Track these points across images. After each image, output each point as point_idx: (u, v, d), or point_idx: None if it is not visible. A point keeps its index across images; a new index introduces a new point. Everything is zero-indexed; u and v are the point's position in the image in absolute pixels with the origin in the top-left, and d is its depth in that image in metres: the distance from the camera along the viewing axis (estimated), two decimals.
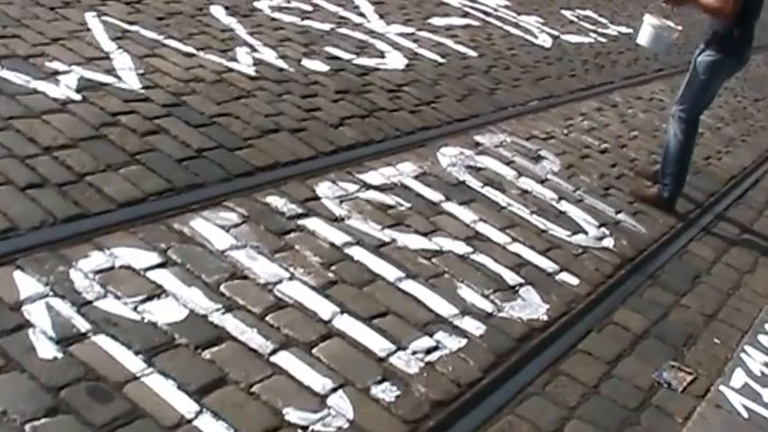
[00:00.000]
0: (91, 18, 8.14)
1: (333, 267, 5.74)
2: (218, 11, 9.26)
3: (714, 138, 10.96)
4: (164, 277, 5.16)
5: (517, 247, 6.77)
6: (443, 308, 5.72)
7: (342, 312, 5.37)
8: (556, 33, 13.14)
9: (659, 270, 7.16)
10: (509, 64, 10.88)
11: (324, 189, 6.60)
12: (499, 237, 6.83)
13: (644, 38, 8.32)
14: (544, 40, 12.58)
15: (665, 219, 8.00)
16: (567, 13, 14.64)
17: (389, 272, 5.87)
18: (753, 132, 11.88)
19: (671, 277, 7.13)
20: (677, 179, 8.31)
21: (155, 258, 5.29)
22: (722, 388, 5.82)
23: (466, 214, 6.94)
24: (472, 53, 10.77)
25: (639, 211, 8.00)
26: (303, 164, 6.92)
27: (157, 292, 5.03)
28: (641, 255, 7.29)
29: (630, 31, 14.38)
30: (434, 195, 7.04)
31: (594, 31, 14.06)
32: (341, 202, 6.48)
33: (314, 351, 4.99)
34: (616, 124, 9.97)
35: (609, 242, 7.26)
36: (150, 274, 5.14)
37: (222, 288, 5.24)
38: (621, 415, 5.34)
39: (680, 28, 8.26)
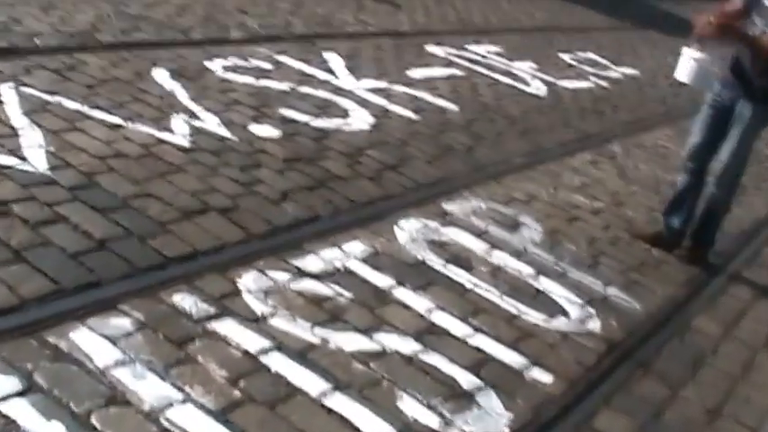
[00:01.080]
0: (7, 90, 7.33)
1: (241, 383, 4.74)
2: (160, 75, 8.41)
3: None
4: (19, 410, 4.17)
5: (480, 340, 5.77)
6: (376, 427, 4.66)
7: None
8: (551, 79, 12.19)
9: (655, 355, 6.09)
10: (494, 116, 9.88)
11: (248, 281, 5.66)
12: (459, 328, 5.84)
13: (685, 73, 7.30)
14: (537, 88, 11.62)
15: (665, 289, 6.91)
16: (566, 57, 13.74)
17: (313, 384, 4.87)
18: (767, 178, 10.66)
19: (668, 364, 6.12)
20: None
21: (14, 384, 4.30)
22: None
23: (420, 302, 5.98)
24: (452, 107, 9.78)
25: (634, 281, 7.00)
26: (228, 250, 5.98)
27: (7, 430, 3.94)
28: (633, 337, 6.18)
29: (636, 72, 13.43)
30: (384, 281, 6.09)
31: (595, 75, 13.14)
32: (266, 296, 5.54)
33: None
34: (612, 179, 8.91)
35: (594, 324, 6.19)
36: (3, 407, 4.12)
37: (93, 419, 4.25)
38: None
39: (725, 58, 7.21)
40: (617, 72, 14.02)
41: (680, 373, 6.03)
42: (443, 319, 5.84)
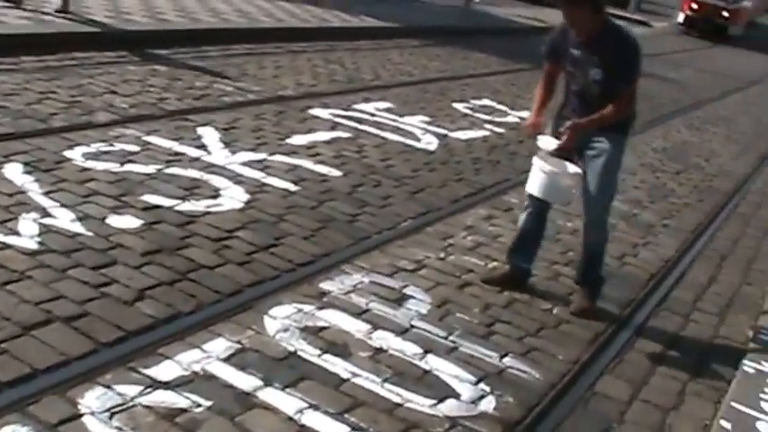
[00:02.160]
0: None
1: None
2: (13, 169, 7.74)
3: (630, 228, 9.41)
4: None
5: None
6: None
7: None
8: (443, 132, 11.69)
9: (556, 430, 5.21)
10: (380, 179, 9.23)
11: (91, 400, 5.01)
12: (332, 428, 5.22)
13: (536, 187, 6.84)
14: (428, 143, 11.07)
15: (567, 352, 6.27)
16: (460, 106, 13.25)
17: None
18: (675, 213, 10.38)
19: None
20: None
21: None
22: None
23: (289, 402, 5.35)
24: (335, 173, 9.17)
25: (533, 347, 6.35)
26: (72, 366, 5.31)
27: None
28: (532, 414, 5.44)
29: None
30: (248, 382, 5.46)
31: (491, 122, 12.69)
32: (111, 416, 4.91)
33: None
34: (509, 233, 8.31)
35: (488, 403, 5.63)
36: None
37: None
38: None
39: (580, 171, 6.80)
40: (514, 116, 13.59)
41: None
42: (315, 420, 5.23)
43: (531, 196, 7.12)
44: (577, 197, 6.93)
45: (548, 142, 6.66)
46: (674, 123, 16.68)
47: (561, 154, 6.81)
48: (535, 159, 6.73)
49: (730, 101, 22.03)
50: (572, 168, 6.71)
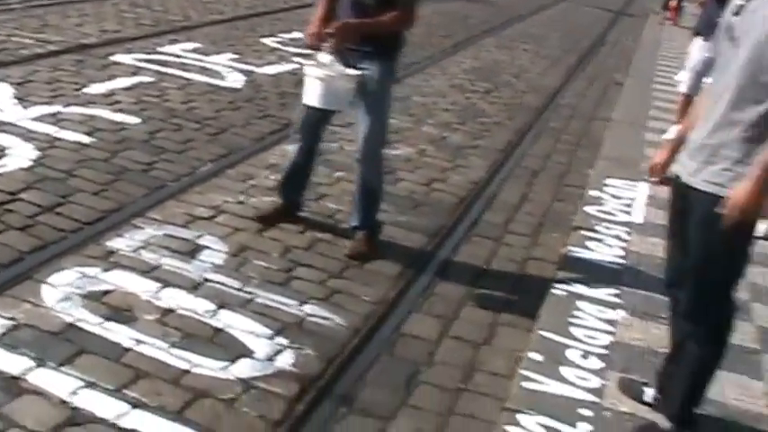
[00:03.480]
0: None
1: None
2: None
3: (439, 152, 8.82)
4: None
5: (136, 418, 4.50)
6: None
7: None
8: (250, 68, 10.91)
9: (360, 383, 4.70)
10: (181, 123, 8.48)
11: None
12: (109, 408, 4.55)
13: (314, 96, 6.21)
14: (234, 81, 10.33)
15: (372, 292, 5.60)
16: (269, 41, 12.62)
17: None
18: (485, 134, 9.81)
19: (377, 391, 5.02)
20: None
21: None
22: None
23: (63, 383, 4.65)
24: (133, 120, 8.40)
25: (336, 290, 5.67)
26: None
27: None
28: (332, 366, 4.70)
29: None
30: (19, 364, 4.76)
31: (300, 54, 11.78)
32: None
33: None
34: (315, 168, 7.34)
35: (286, 359, 5.00)
36: None
37: None
38: None
39: (359, 72, 6.12)
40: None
41: (390, 399, 4.95)
42: (90, 400, 4.54)
43: (301, 130, 6.59)
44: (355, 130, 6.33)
45: (325, 57, 5.93)
46: (484, 43, 16.29)
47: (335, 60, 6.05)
48: (307, 69, 6.07)
49: (540, 18, 21.81)
50: (349, 70, 6.03)
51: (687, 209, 4.43)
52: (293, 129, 6.62)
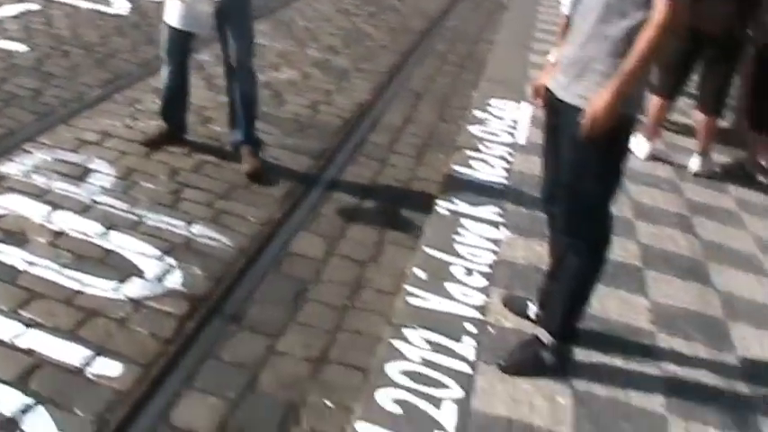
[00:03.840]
0: None
1: None
2: None
3: (323, 75, 8.84)
4: None
5: (31, 339, 4.55)
6: None
7: None
8: None
9: (248, 302, 4.82)
10: (69, 50, 8.49)
11: None
12: (4, 328, 4.59)
13: (175, 17, 6.32)
14: (120, 7, 10.31)
15: (259, 213, 5.73)
16: None
17: None
18: (370, 57, 9.76)
19: (265, 309, 5.11)
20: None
21: None
22: None
23: None
24: (21, 48, 8.39)
25: (223, 211, 5.74)
26: None
27: None
28: (221, 285, 4.79)
29: None
30: None
31: None
32: None
33: None
34: (200, 92, 7.55)
35: (175, 279, 5.06)
36: None
37: None
38: None
39: None
40: None
41: (278, 316, 5.02)
42: None
43: (168, 53, 6.61)
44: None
45: None
46: None
47: None
48: None
49: None
50: None
51: (559, 124, 4.48)
52: (160, 51, 6.50)
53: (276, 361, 4.64)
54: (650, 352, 5.08)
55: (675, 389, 4.76)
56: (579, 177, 4.41)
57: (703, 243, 6.44)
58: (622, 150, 4.41)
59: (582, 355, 4.87)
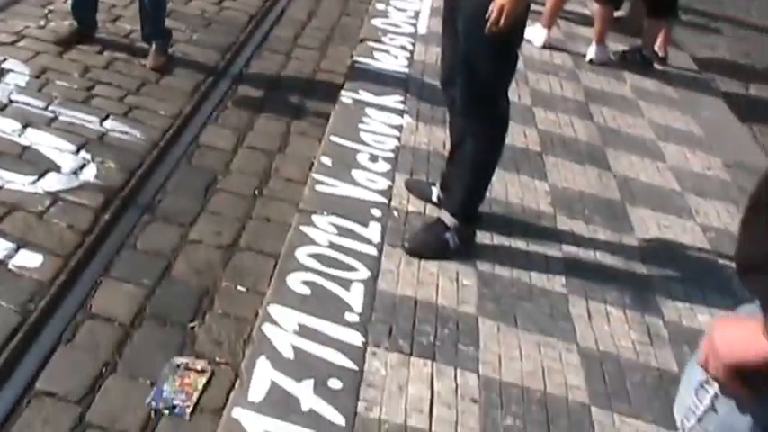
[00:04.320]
0: None
1: None
2: None
3: None
4: None
5: None
6: None
7: None
8: None
9: (160, 191, 4.99)
10: None
11: None
12: None
13: None
14: None
15: (169, 107, 5.90)
16: None
17: None
18: None
19: (177, 199, 5.30)
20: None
21: None
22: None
23: None
24: None
25: (135, 106, 5.95)
26: None
27: None
28: (134, 177, 4.99)
29: None
30: None
31: None
32: None
33: None
34: None
35: (90, 172, 5.25)
36: None
37: None
38: None
39: None
40: None
41: (190, 206, 5.20)
42: None
43: None
44: None
45: None
46: None
47: None
48: None
49: None
50: None
51: (457, 6, 4.58)
52: None
53: (189, 249, 4.80)
54: (551, 234, 5.29)
55: (576, 269, 4.99)
56: (474, 60, 4.51)
57: (601, 129, 6.71)
58: (517, 35, 4.52)
59: (485, 237, 5.05)
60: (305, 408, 3.74)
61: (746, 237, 1.97)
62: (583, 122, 6.73)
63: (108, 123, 5.72)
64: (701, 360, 1.97)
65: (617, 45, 8.36)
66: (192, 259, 4.70)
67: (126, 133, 5.63)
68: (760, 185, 1.96)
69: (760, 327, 1.80)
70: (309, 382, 3.88)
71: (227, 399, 3.79)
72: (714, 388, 2.01)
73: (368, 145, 5.77)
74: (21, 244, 4.54)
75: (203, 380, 3.87)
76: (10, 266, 4.38)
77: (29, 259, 4.46)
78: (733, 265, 2.00)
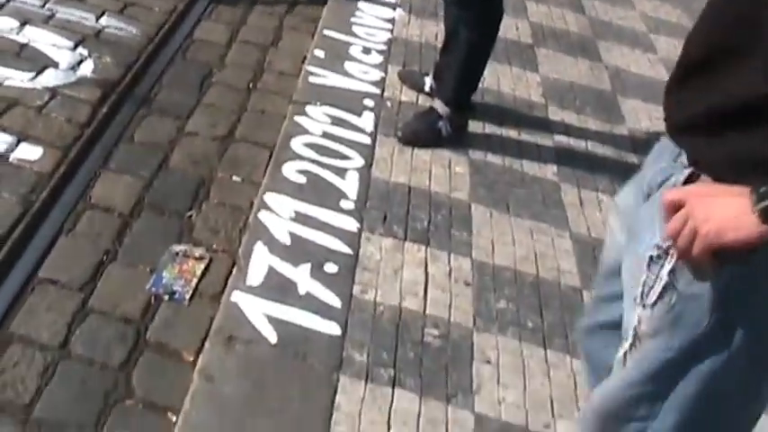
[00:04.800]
0: None
1: None
2: None
3: None
4: None
5: None
6: None
7: None
8: None
9: (156, 85, 5.00)
10: None
11: None
12: None
13: None
14: None
15: (164, 3, 5.88)
16: None
17: None
18: None
19: (173, 92, 5.29)
20: None
21: None
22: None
23: None
24: None
25: (130, 3, 5.87)
26: None
27: None
28: (131, 71, 5.02)
29: None
30: None
31: None
32: None
33: None
34: None
35: (87, 67, 5.25)
36: None
37: None
38: None
39: None
40: None
41: (186, 99, 5.19)
42: None
43: None
44: None
45: None
46: None
47: None
48: None
49: None
50: None
51: None
52: None
53: (185, 140, 4.82)
54: (543, 124, 5.30)
55: (568, 158, 5.02)
56: None
57: (592, 21, 6.69)
58: None
59: (477, 127, 5.07)
60: (302, 291, 3.80)
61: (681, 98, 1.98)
62: (575, 15, 6.73)
63: (104, 20, 5.72)
64: (669, 232, 1.92)
65: None
66: (188, 151, 4.72)
67: (122, 29, 5.63)
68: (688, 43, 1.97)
69: (748, 204, 1.75)
70: (306, 267, 3.93)
71: (225, 284, 3.84)
72: (670, 262, 1.98)
73: (360, 38, 5.79)
74: (21, 138, 4.55)
75: (201, 266, 3.92)
76: (11, 159, 4.39)
77: (29, 152, 4.48)
78: None
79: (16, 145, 4.54)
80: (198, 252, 3.95)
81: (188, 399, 3.26)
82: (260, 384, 3.36)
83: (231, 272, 3.90)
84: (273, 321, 3.65)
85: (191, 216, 4.19)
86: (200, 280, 3.90)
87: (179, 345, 3.60)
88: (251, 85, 5.36)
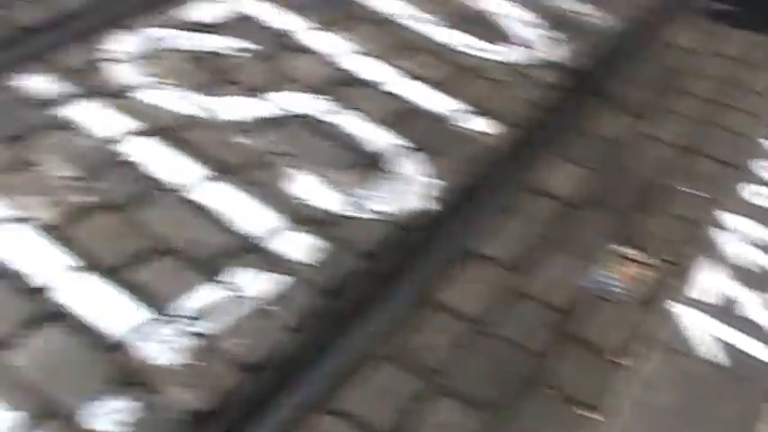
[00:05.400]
0: None
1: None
2: None
3: None
4: None
5: (405, 87, 4.58)
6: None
7: None
8: None
9: (616, 81, 5.01)
10: None
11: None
12: (382, 73, 4.64)
13: None
14: None
15: None
16: None
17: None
18: None
19: (633, 90, 4.97)
20: None
21: None
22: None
23: (333, 44, 4.76)
24: None
25: None
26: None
27: None
28: (593, 60, 5.20)
29: None
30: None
31: None
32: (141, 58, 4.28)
33: None
34: None
35: (552, 48, 5.26)
36: None
37: None
38: None
39: None
40: None
41: (646, 100, 4.90)
42: (361, 65, 4.60)
43: None
44: None
45: None
46: None
47: None
48: None
49: None
50: None
51: None
52: None
53: (641, 141, 4.65)
54: None
55: None
56: None
57: None
58: None
59: None
60: (745, 315, 3.56)
61: None
62: None
63: (578, 5, 5.64)
64: None
65: None
66: (642, 152, 4.49)
67: (597, 17, 5.58)
68: None
69: None
70: (755, 292, 3.68)
71: (662, 293, 3.59)
72: None
73: None
74: (475, 108, 4.49)
75: (642, 271, 3.64)
76: (462, 127, 4.33)
77: (480, 123, 4.44)
78: None
79: (469, 114, 4.36)
80: (640, 256, 3.65)
81: (623, 402, 3.06)
82: (694, 400, 3.10)
83: (671, 282, 3.60)
84: (713, 339, 3.37)
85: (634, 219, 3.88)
86: (637, 284, 3.59)
87: (603, 344, 3.31)
88: (717, 99, 4.85)
